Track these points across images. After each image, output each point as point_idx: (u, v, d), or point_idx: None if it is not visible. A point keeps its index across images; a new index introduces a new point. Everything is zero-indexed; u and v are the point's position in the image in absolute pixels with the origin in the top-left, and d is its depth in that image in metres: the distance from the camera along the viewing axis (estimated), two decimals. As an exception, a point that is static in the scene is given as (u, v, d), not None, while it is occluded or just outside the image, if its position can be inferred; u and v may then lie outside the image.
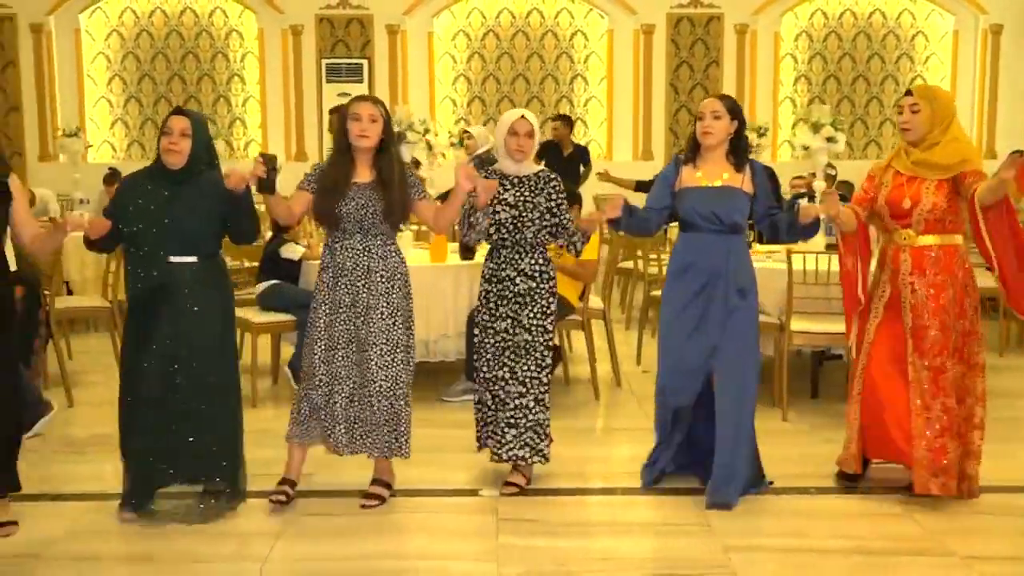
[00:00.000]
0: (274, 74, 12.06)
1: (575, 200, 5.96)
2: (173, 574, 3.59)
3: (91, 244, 4.11)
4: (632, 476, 4.49)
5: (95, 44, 12.06)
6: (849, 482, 4.40)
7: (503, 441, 4.34)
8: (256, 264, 7.33)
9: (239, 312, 6.06)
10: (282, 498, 4.16)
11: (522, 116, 4.36)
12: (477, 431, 4.51)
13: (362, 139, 4.08)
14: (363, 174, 4.15)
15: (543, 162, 9.51)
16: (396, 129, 6.45)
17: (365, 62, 11.99)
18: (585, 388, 6.18)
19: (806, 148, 6.20)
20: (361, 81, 12.00)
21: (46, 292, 5.81)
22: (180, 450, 4.01)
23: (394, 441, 4.16)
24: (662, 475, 4.45)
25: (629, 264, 8.32)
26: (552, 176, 4.43)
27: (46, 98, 11.89)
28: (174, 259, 3.99)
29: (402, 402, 4.16)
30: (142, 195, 4.02)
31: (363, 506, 4.18)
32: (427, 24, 12.05)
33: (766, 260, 6.06)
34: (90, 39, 12.04)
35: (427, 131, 6.74)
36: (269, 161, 4.00)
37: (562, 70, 12.21)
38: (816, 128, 6.11)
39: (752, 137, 10.26)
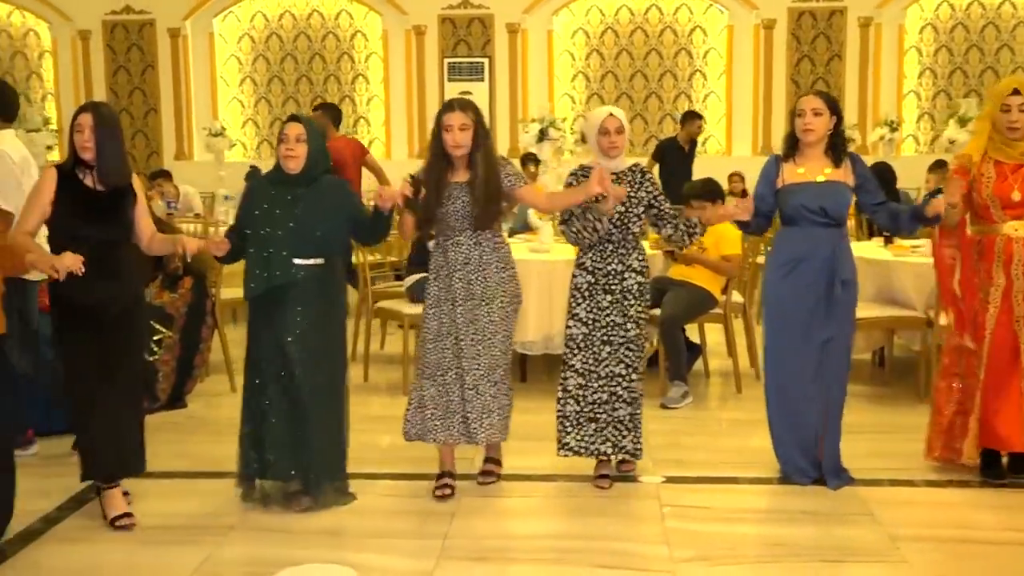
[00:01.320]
0: (397, 74, 12.36)
1: (718, 195, 6.04)
2: (362, 548, 3.80)
3: (218, 258, 4.33)
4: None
5: (228, 47, 12.54)
6: (990, 473, 4.41)
7: (627, 430, 4.41)
8: (394, 260, 7.61)
9: (390, 304, 6.35)
10: (447, 491, 4.30)
11: (611, 114, 4.43)
12: (561, 432, 4.46)
13: (457, 149, 4.22)
14: (461, 174, 4.29)
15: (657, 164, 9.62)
16: (541, 127, 6.64)
17: (486, 61, 12.20)
18: (721, 382, 6.27)
19: (952, 142, 6.16)
20: (482, 79, 12.22)
21: (212, 283, 6.11)
22: (287, 442, 4.13)
23: (505, 424, 4.33)
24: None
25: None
26: (645, 169, 4.54)
27: (182, 99, 12.40)
28: (298, 261, 4.11)
29: (508, 386, 4.35)
30: (267, 199, 4.17)
31: (480, 483, 4.42)
32: (547, 22, 12.20)
33: (911, 254, 6.05)
34: (223, 42, 12.52)
35: (552, 127, 6.88)
36: (416, 184, 4.24)
37: (680, 66, 12.23)
38: (963, 122, 6.07)
39: (884, 132, 10.20)
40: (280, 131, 4.19)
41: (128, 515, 4.02)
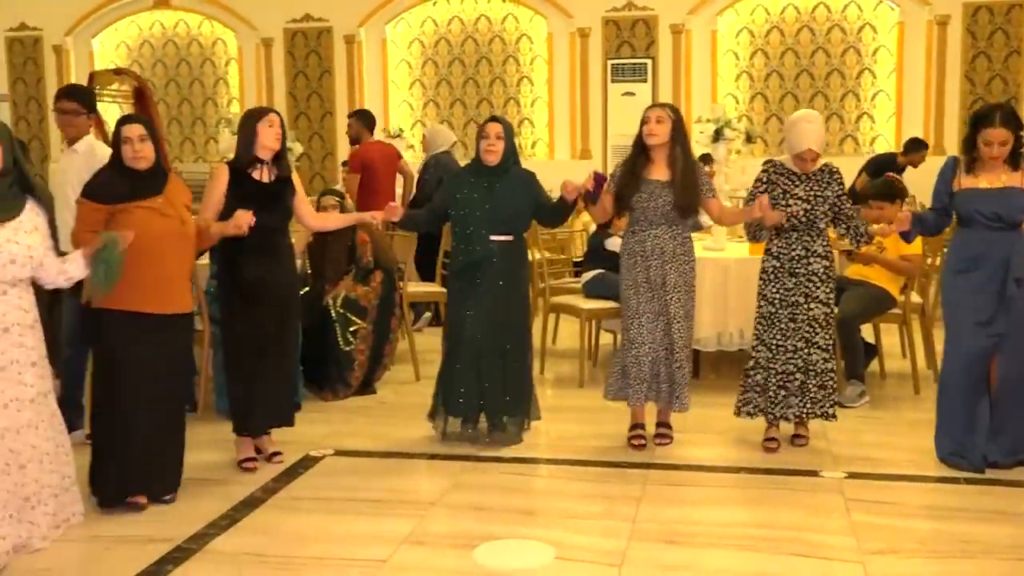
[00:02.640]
0: (561, 76, 12.58)
1: (898, 196, 6.02)
2: (556, 527, 4.01)
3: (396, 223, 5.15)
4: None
5: (399, 52, 13.03)
6: None
7: (816, 399, 4.84)
8: (562, 257, 7.83)
9: (567, 299, 6.56)
10: (641, 441, 4.92)
11: (809, 150, 4.74)
12: (745, 396, 4.92)
13: (651, 138, 4.76)
14: (659, 172, 4.79)
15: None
16: (715, 127, 6.74)
17: (649, 62, 12.29)
18: (896, 383, 6.22)
19: None
20: (645, 80, 12.31)
21: (399, 278, 6.46)
22: (488, 389, 4.93)
23: (686, 395, 4.91)
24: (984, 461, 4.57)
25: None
26: (834, 169, 4.85)
27: (356, 103, 12.95)
28: (494, 237, 4.87)
29: (685, 363, 4.91)
30: (466, 186, 4.96)
31: (658, 444, 4.96)
32: (711, 22, 12.20)
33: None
34: (395, 47, 13.02)
35: (727, 127, 6.95)
36: (599, 180, 4.83)
37: (848, 64, 12.03)
38: None
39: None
40: (480, 129, 4.96)
41: (253, 459, 4.69)
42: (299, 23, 13.01)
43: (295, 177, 4.75)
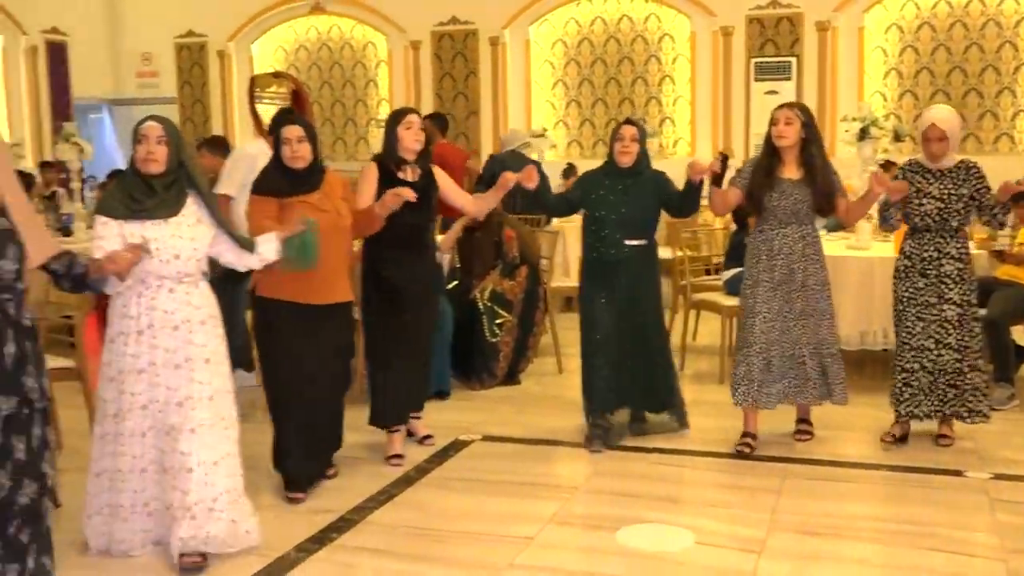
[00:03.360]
0: (704, 75, 12.58)
1: None
2: (697, 514, 4.16)
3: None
4: None
5: (542, 52, 13.27)
6: None
7: (947, 399, 4.81)
8: (702, 254, 7.90)
9: (709, 296, 6.66)
10: (746, 449, 4.86)
11: (933, 124, 4.72)
12: (898, 396, 4.89)
13: (781, 139, 4.75)
14: (791, 171, 4.78)
15: None
16: (860, 125, 6.71)
17: (793, 60, 12.18)
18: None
19: None
20: (789, 78, 12.20)
21: (543, 272, 6.68)
22: (630, 387, 5.03)
23: (843, 389, 4.92)
24: None
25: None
26: (972, 165, 4.80)
27: (500, 103, 13.28)
28: (629, 242, 4.91)
29: (834, 358, 4.90)
30: (601, 187, 4.98)
31: (798, 440, 5.02)
32: (857, 19, 11.99)
33: None
34: (538, 48, 13.27)
35: (873, 125, 6.89)
36: (724, 159, 4.76)
37: (1004, 59, 11.63)
38: None
39: None
40: (615, 131, 4.97)
41: (400, 456, 4.80)
42: (446, 26, 13.40)
43: (437, 171, 4.86)
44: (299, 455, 4.37)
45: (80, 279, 3.26)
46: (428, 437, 5.09)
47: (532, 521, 4.07)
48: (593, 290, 5.04)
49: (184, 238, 3.64)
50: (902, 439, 4.95)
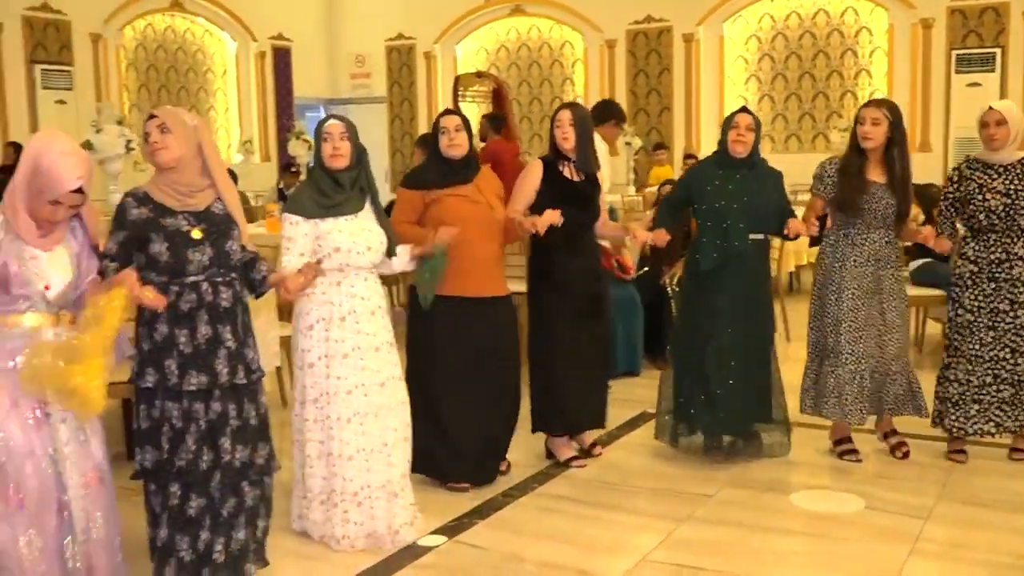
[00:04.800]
0: (901, 67, 12.49)
1: None
2: (867, 483, 4.46)
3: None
4: None
5: (735, 48, 13.49)
6: None
7: (1012, 414, 4.58)
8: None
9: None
10: (855, 459, 4.72)
11: (991, 107, 4.51)
12: (940, 407, 4.71)
13: (867, 141, 4.52)
14: (876, 173, 4.55)
15: None
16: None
17: (998, 51, 11.92)
18: None
19: None
20: (992, 70, 11.95)
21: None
22: (730, 399, 4.62)
23: (914, 402, 4.71)
24: None
25: None
26: None
27: (692, 98, 13.59)
28: (751, 236, 4.58)
29: (911, 369, 4.75)
30: (716, 178, 4.62)
31: (901, 456, 4.74)
32: (1070, 7, 11.63)
33: None
34: (731, 44, 13.50)
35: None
36: (823, 225, 4.69)
37: None
38: None
39: None
40: (730, 120, 4.64)
41: (577, 457, 4.76)
42: (641, 24, 13.83)
43: (600, 175, 4.81)
44: (462, 450, 4.38)
45: (253, 283, 3.44)
46: (595, 446, 4.93)
47: (712, 482, 4.48)
48: (699, 297, 4.69)
49: (372, 231, 3.79)
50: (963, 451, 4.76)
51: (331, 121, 3.84)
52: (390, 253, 3.90)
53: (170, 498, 3.26)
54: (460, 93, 12.96)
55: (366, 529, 3.81)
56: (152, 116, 3.32)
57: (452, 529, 4.00)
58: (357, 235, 3.74)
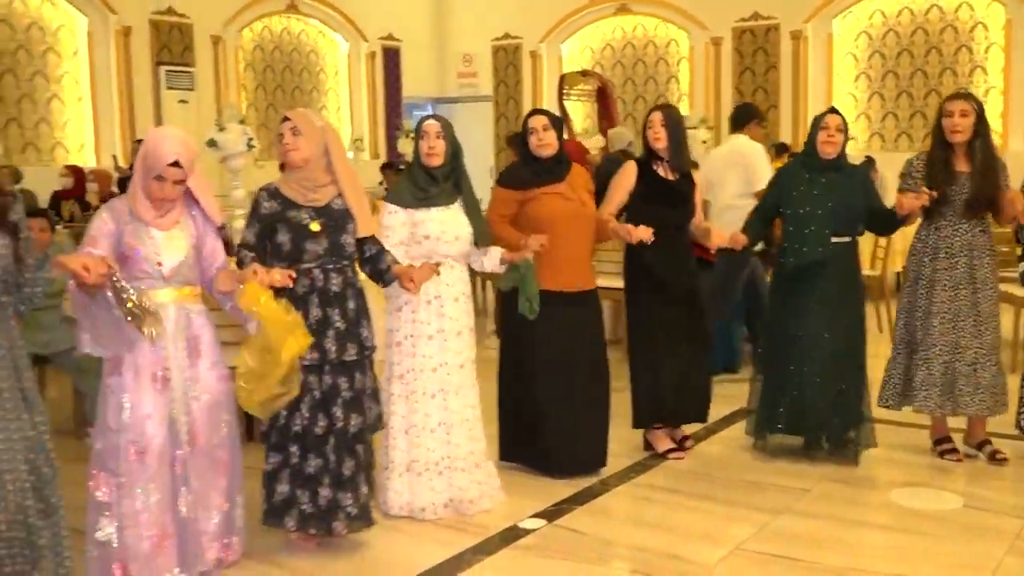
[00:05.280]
0: (1019, 63, 12.15)
1: None
2: (962, 482, 4.45)
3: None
4: None
5: (845, 45, 13.30)
6: None
7: None
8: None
9: (1005, 287, 6.71)
10: (955, 457, 4.71)
11: None
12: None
13: (956, 134, 4.52)
14: (962, 164, 4.57)
15: None
16: None
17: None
18: None
19: None
20: (1116, 66, 11.54)
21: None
22: (816, 399, 4.64)
23: (996, 399, 4.63)
24: None
25: None
26: None
27: (800, 96, 13.45)
28: (835, 239, 4.59)
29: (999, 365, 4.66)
30: (803, 183, 4.66)
31: (1000, 462, 4.65)
32: None
33: None
34: (840, 41, 13.31)
35: None
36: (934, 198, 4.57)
37: None
38: None
39: None
40: (819, 120, 4.64)
41: (675, 449, 4.86)
42: (747, 22, 13.75)
43: (696, 175, 4.90)
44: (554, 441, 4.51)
45: (379, 272, 3.84)
46: (686, 439, 5.01)
47: (809, 478, 4.54)
48: (787, 301, 4.72)
49: (462, 223, 4.11)
50: None
51: (429, 120, 4.14)
52: (478, 243, 4.17)
53: (290, 457, 3.66)
54: (565, 92, 13.12)
55: (447, 496, 4.10)
56: (286, 119, 3.69)
57: (551, 514, 4.15)
58: (447, 225, 4.07)
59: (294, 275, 3.44)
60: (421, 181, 4.08)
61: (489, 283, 8.81)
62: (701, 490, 4.46)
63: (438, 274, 3.89)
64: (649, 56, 14.76)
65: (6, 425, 2.94)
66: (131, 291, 3.15)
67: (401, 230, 4.05)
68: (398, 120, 14.84)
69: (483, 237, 4.20)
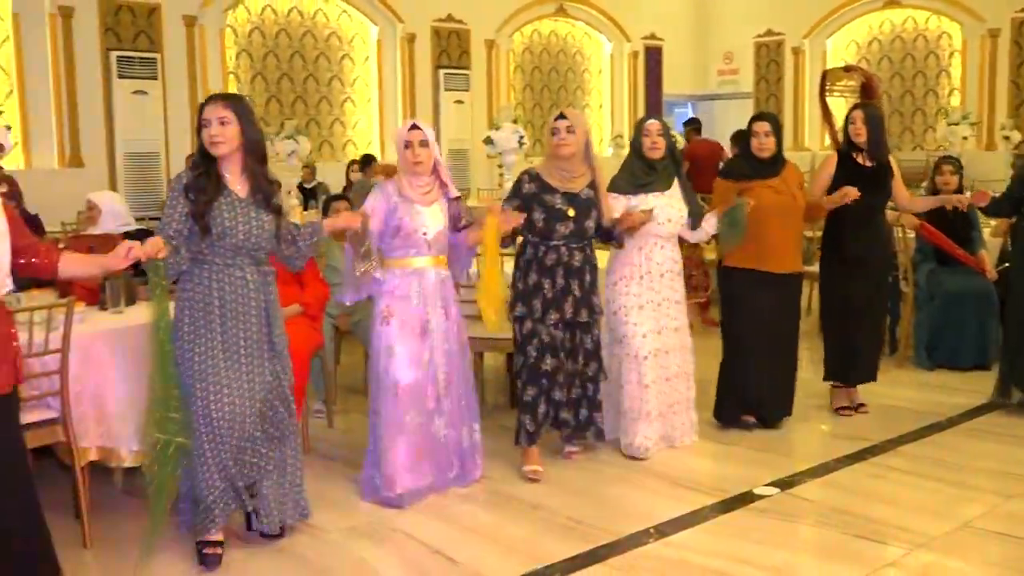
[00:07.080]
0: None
1: None
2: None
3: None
4: None
5: None
6: None
7: None
8: None
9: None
10: None
11: None
12: None
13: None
14: None
15: None
16: None
17: None
18: None
19: None
20: None
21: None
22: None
23: None
24: None
25: None
26: None
27: None
28: None
29: None
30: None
31: None
32: None
33: None
34: None
35: None
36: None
37: None
38: None
39: None
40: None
41: (847, 408, 5.49)
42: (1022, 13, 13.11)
43: (893, 162, 5.43)
44: (737, 403, 5.26)
45: (609, 235, 4.65)
46: (862, 405, 5.56)
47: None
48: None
49: (674, 208, 4.81)
50: None
51: (651, 120, 4.88)
52: (694, 225, 4.93)
53: (534, 387, 4.55)
54: (828, 88, 12.97)
55: (660, 432, 4.87)
56: (562, 116, 4.51)
57: (785, 483, 4.48)
58: (659, 209, 4.73)
59: (523, 218, 4.35)
60: (637, 170, 4.80)
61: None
62: (936, 473, 4.61)
63: (651, 219, 4.63)
64: (918, 50, 14.36)
65: (251, 368, 3.65)
66: (367, 241, 4.06)
67: (618, 212, 4.70)
68: (658, 117, 15.21)
69: (694, 215, 4.92)
